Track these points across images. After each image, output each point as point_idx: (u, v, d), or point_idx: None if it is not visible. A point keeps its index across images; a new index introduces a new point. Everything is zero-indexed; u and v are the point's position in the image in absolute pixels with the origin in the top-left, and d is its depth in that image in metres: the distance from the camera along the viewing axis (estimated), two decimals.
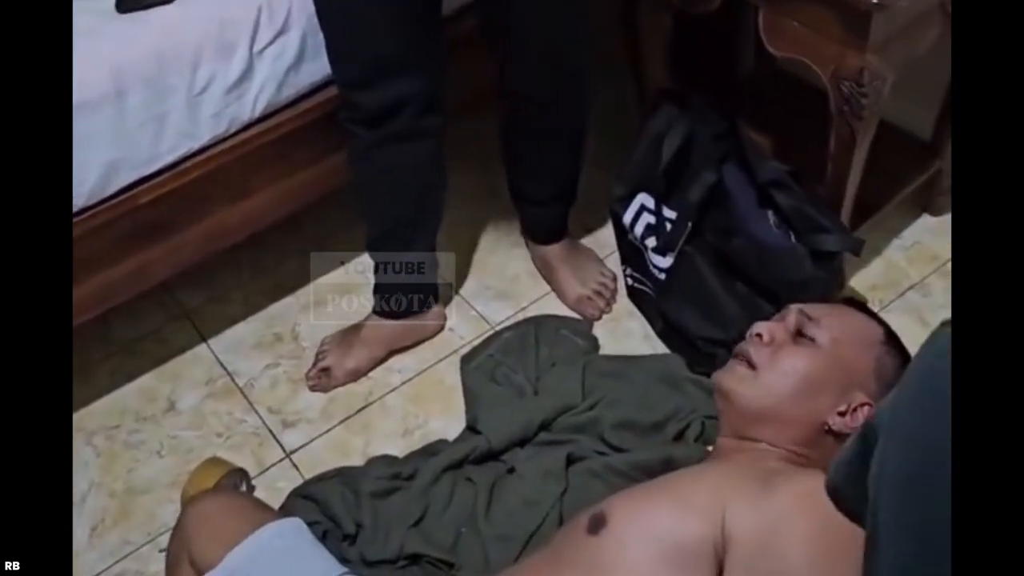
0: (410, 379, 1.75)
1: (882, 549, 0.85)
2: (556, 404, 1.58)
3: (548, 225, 1.84)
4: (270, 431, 1.69)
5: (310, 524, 1.36)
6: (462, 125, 1.77)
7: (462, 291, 1.89)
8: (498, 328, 1.80)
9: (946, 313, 1.72)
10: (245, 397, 1.75)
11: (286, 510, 1.47)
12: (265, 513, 1.35)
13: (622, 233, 1.77)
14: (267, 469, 1.64)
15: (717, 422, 1.34)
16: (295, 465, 1.64)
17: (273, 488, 1.60)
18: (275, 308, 1.89)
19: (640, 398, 1.59)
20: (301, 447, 1.67)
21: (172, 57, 1.43)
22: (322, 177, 1.69)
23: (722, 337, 1.61)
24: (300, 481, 1.58)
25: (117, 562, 1.54)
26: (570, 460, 1.49)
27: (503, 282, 1.90)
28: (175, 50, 1.43)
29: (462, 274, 1.91)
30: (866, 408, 1.20)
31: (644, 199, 1.70)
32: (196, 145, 1.51)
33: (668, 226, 1.67)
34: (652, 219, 1.69)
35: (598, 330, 1.79)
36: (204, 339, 1.84)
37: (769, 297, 1.58)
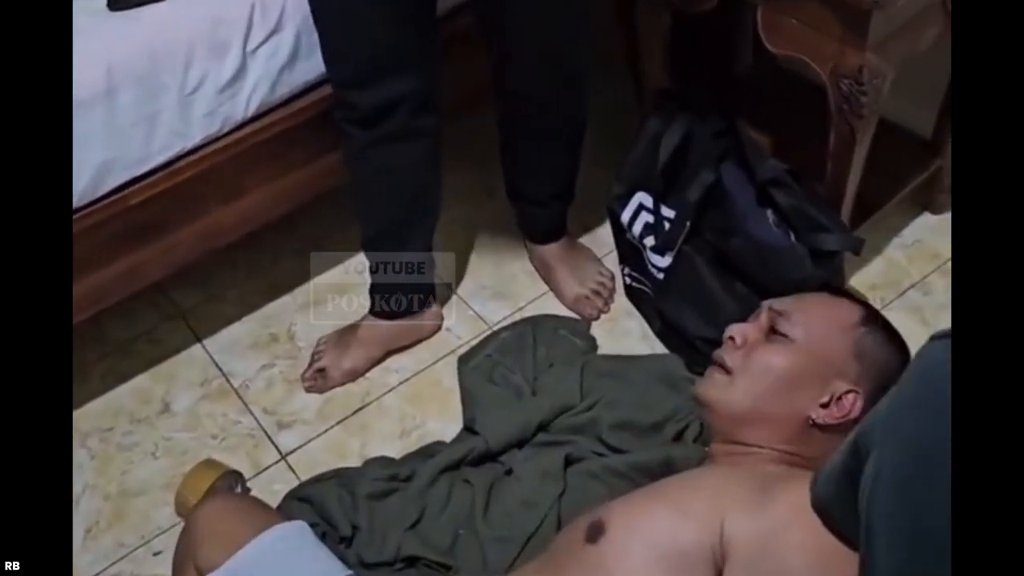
0: (407, 380, 1.74)
1: (877, 553, 0.84)
2: (554, 405, 1.57)
3: (546, 224, 1.83)
4: (265, 432, 1.68)
5: None
6: (459, 124, 1.76)
7: (459, 291, 1.88)
8: (496, 328, 1.79)
9: (947, 312, 1.72)
10: (240, 398, 1.74)
11: (281, 512, 1.46)
12: (269, 516, 1.34)
13: (620, 232, 1.76)
14: (263, 471, 1.63)
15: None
16: (291, 467, 1.63)
17: (269, 490, 1.59)
18: (270, 308, 1.87)
19: (638, 398, 1.58)
20: (297, 449, 1.66)
21: (164, 55, 1.42)
22: (316, 177, 1.68)
23: (721, 337, 1.60)
24: (296, 483, 1.56)
25: (112, 564, 1.53)
26: (568, 461, 1.48)
27: (500, 282, 1.89)
28: (167, 48, 1.42)
29: (459, 274, 1.90)
30: (850, 396, 1.19)
31: (642, 198, 1.69)
32: (189, 144, 1.50)
33: (666, 225, 1.66)
34: (650, 218, 1.69)
35: (596, 330, 1.78)
36: (199, 339, 1.83)
37: (768, 297, 1.56)
